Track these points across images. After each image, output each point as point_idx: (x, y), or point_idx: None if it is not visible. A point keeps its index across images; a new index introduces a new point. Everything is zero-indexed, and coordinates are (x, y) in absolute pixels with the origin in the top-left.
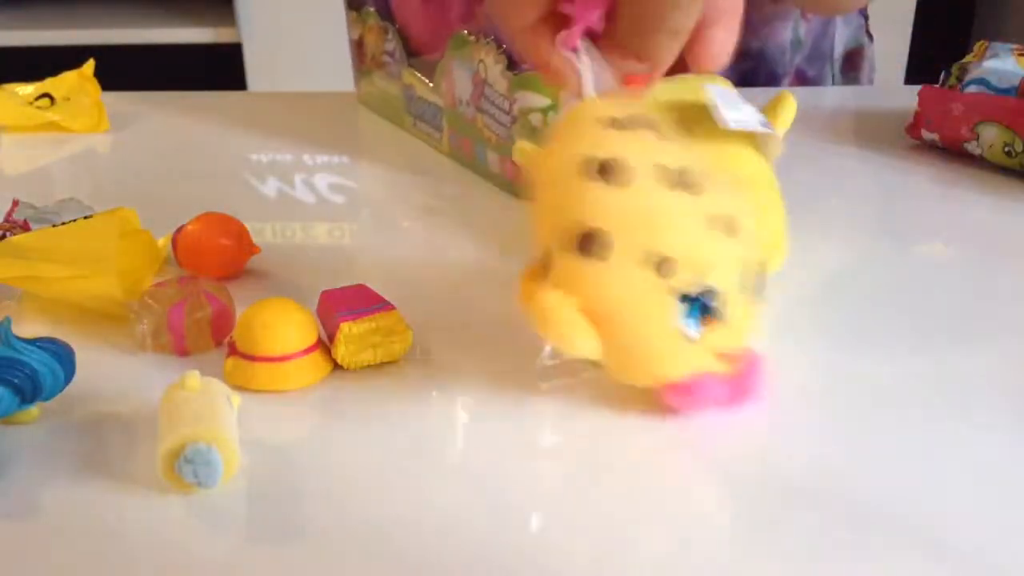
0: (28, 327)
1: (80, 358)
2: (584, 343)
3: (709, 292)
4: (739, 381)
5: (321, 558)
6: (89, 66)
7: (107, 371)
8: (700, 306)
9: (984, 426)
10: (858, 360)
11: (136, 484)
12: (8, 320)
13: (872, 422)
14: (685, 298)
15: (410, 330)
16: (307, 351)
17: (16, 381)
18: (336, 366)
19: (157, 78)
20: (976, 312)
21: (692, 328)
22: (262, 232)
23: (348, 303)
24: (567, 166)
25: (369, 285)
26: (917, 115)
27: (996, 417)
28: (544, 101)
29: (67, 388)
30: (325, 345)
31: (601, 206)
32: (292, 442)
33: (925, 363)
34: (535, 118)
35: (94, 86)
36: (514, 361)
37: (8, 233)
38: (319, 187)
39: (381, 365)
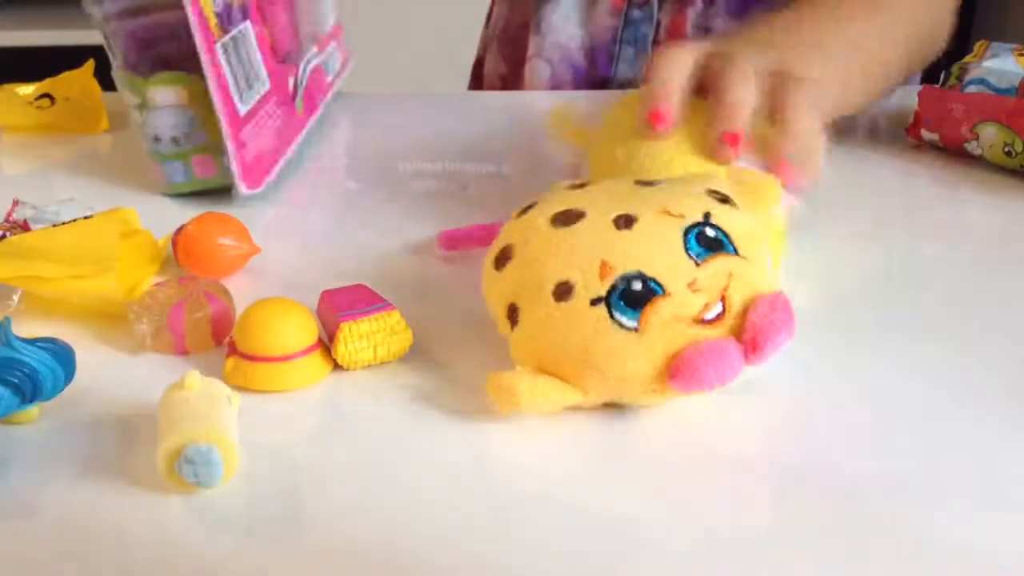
0: (28, 327)
1: (80, 358)
2: (553, 399)
3: (628, 278)
4: (748, 334)
5: (321, 558)
6: (89, 66)
7: (107, 371)
8: (622, 295)
9: (984, 424)
10: (855, 358)
11: (136, 484)
12: (8, 320)
13: (874, 420)
14: (597, 300)
15: (410, 330)
16: (307, 351)
17: (16, 381)
18: (336, 366)
19: None
20: (974, 312)
21: (626, 318)
22: (262, 232)
23: (348, 303)
24: (487, 263)
25: (369, 285)
26: (917, 115)
27: (996, 415)
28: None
29: (67, 388)
30: (325, 345)
31: (502, 281)
32: (292, 442)
33: (923, 362)
34: None
35: (94, 86)
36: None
37: (8, 233)
38: (319, 187)
39: (381, 365)
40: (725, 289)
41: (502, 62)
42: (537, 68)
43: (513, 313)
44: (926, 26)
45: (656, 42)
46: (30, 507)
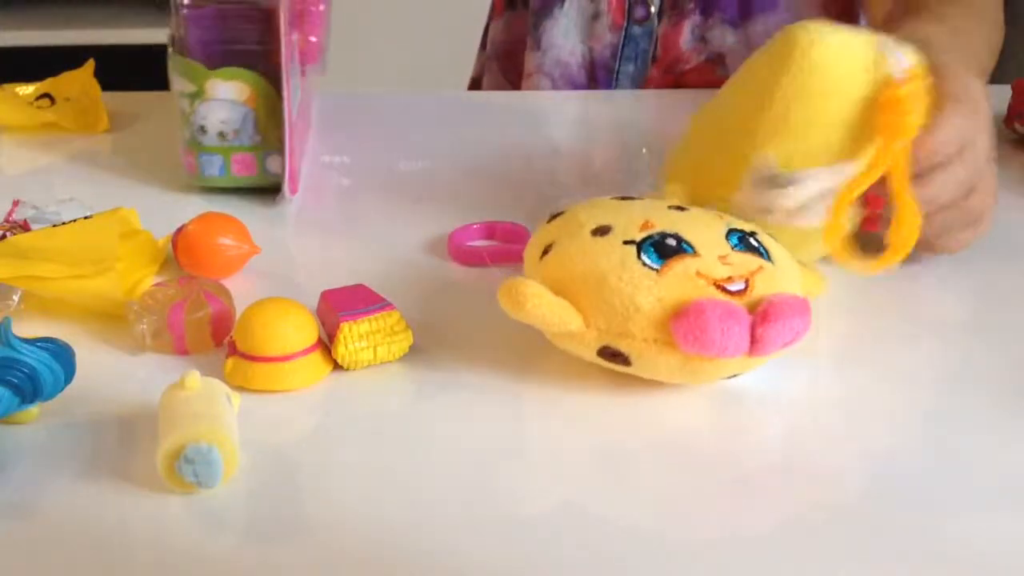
0: (28, 327)
1: (80, 358)
2: (557, 314)
3: (665, 235)
4: (762, 313)
5: (321, 558)
6: (89, 66)
7: (107, 371)
8: (655, 245)
9: (983, 423)
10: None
11: (136, 484)
12: (8, 320)
13: (874, 416)
14: (629, 242)
15: (410, 330)
16: (307, 351)
17: (16, 381)
18: (336, 366)
19: (157, 78)
20: None
21: (651, 260)
22: (262, 232)
23: (348, 303)
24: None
25: (369, 285)
26: (1011, 107)
27: (994, 413)
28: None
29: (67, 388)
30: (325, 345)
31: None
32: (292, 442)
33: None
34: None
35: (94, 86)
36: (514, 361)
37: (8, 233)
38: (319, 187)
39: (381, 365)
40: (753, 274)
41: (501, 78)
42: (538, 84)
43: (547, 250)
44: (1000, 31)
45: (655, 57)
46: (30, 507)
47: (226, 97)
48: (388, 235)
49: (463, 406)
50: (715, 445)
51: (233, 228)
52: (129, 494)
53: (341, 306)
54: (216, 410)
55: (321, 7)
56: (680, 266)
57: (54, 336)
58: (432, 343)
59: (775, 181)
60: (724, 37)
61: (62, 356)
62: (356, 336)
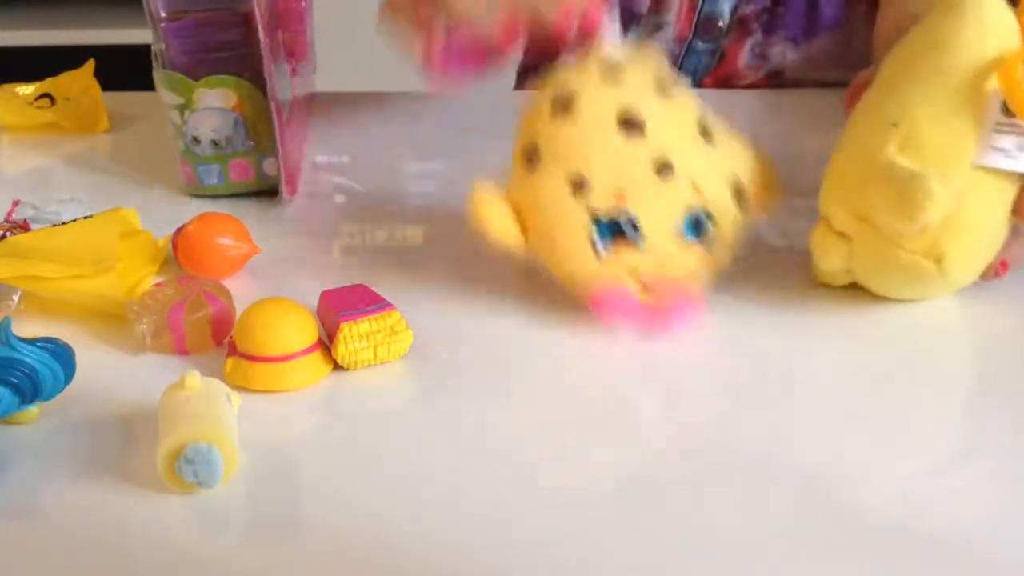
0: (28, 327)
1: (80, 358)
2: (505, 231)
3: (626, 220)
4: (660, 310)
5: (321, 557)
6: (89, 66)
7: (107, 371)
8: (611, 228)
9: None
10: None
11: (136, 484)
12: (8, 320)
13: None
14: (598, 220)
15: (410, 330)
16: (307, 351)
17: (16, 381)
18: (336, 366)
19: None
20: None
21: (601, 244)
22: (262, 232)
23: (348, 303)
24: (538, 98)
25: (369, 285)
26: None
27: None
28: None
29: (67, 388)
30: (325, 345)
31: (544, 129)
32: (292, 442)
33: None
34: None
35: (94, 86)
36: (514, 361)
37: (8, 233)
38: (319, 187)
39: (381, 365)
40: (670, 269)
41: None
42: None
43: (533, 157)
44: None
45: (712, 70)
46: (30, 507)
47: (214, 105)
48: (388, 235)
49: (463, 406)
50: (729, 442)
51: (233, 228)
52: (129, 494)
53: (341, 306)
54: (216, 410)
55: (303, 3)
56: (619, 259)
57: (54, 336)
58: (432, 343)
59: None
60: (784, 54)
61: (62, 356)
62: (356, 336)
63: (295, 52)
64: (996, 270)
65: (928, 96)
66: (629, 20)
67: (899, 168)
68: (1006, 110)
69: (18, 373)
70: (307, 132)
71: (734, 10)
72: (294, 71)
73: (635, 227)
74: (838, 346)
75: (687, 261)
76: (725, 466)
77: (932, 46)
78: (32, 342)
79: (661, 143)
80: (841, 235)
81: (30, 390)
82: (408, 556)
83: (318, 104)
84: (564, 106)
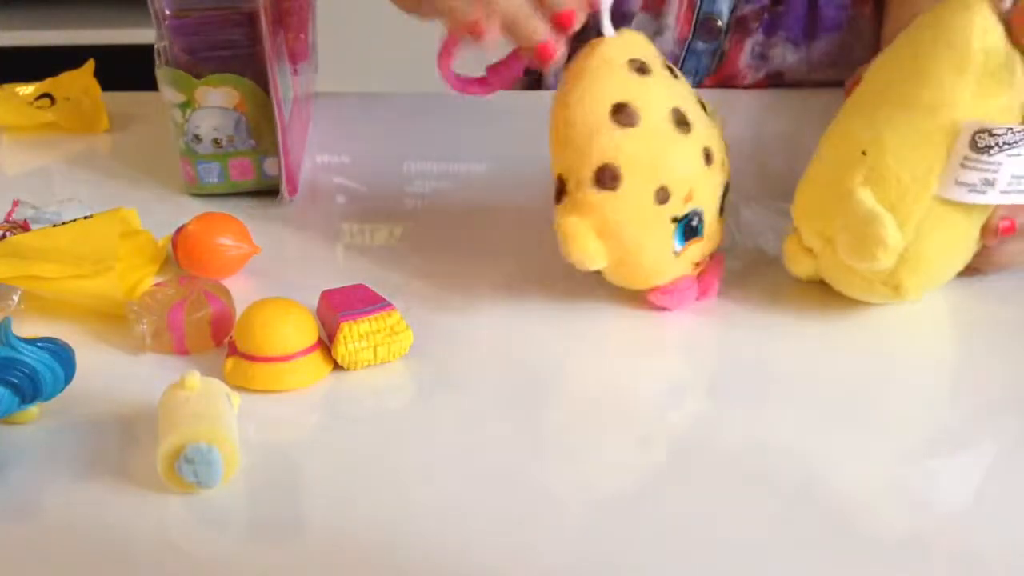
0: (28, 327)
1: (80, 358)
2: (596, 258)
3: (695, 214)
4: (704, 280)
5: (321, 557)
6: (89, 66)
7: (107, 371)
8: (685, 226)
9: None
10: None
11: (136, 484)
12: (8, 320)
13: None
14: (675, 220)
15: (410, 330)
16: (307, 351)
17: (16, 381)
18: (336, 366)
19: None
20: None
21: (678, 244)
22: (262, 232)
23: (348, 303)
24: (588, 108)
25: (369, 285)
26: None
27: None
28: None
29: (67, 388)
30: (325, 345)
31: (615, 144)
32: (292, 442)
33: None
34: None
35: (94, 86)
36: (514, 361)
37: (8, 233)
38: (319, 187)
39: (381, 365)
40: (714, 246)
41: None
42: None
43: (612, 179)
44: None
45: (711, 72)
46: (30, 507)
47: (216, 104)
48: (388, 235)
49: (463, 406)
50: (733, 446)
51: (233, 228)
52: (129, 494)
53: (341, 306)
54: (216, 410)
55: (305, 3)
56: (688, 253)
57: (54, 336)
58: (432, 343)
59: (999, 141)
60: (785, 56)
61: (62, 356)
62: (356, 336)
63: (297, 52)
64: (997, 231)
65: (899, 125)
66: (621, 19)
67: (860, 204)
68: (975, 146)
69: (18, 373)
70: (308, 132)
71: (732, 10)
72: (296, 71)
73: (702, 220)
74: (838, 347)
75: (720, 233)
76: (725, 467)
77: (911, 73)
78: (32, 342)
79: (700, 133)
80: (808, 250)
81: (30, 390)
82: (408, 556)
83: (319, 104)
84: (629, 118)
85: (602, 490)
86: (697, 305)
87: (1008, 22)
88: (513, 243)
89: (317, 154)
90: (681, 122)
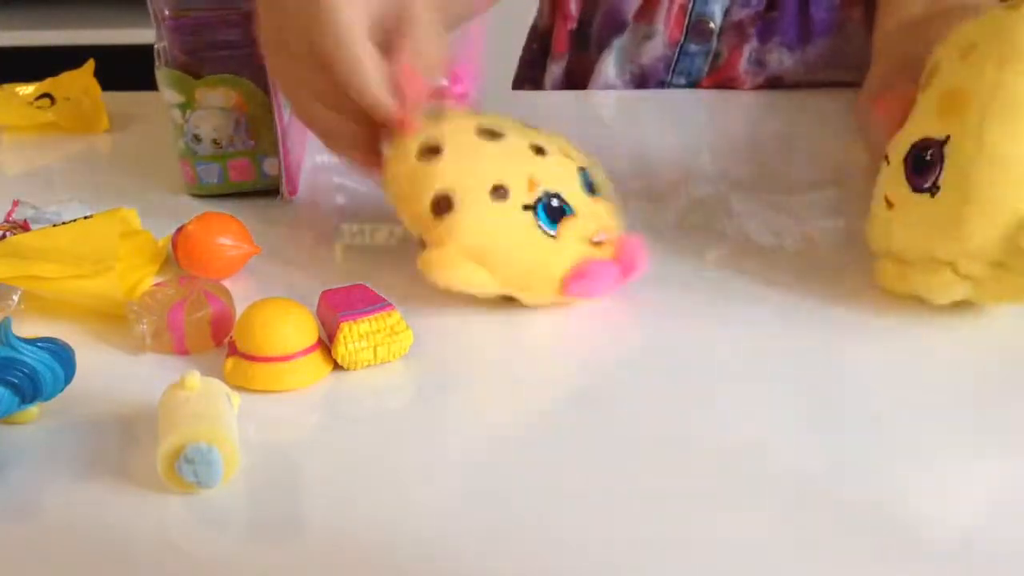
0: (28, 327)
1: (80, 358)
2: (475, 275)
3: (549, 196)
4: (623, 260)
5: (321, 558)
6: (89, 66)
7: (107, 371)
8: (545, 207)
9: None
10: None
11: (136, 484)
12: (8, 320)
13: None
14: (527, 207)
15: (410, 330)
16: (307, 351)
17: (16, 381)
18: (336, 366)
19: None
20: None
21: (547, 227)
22: (262, 232)
23: (348, 303)
24: (399, 164)
25: (369, 285)
26: None
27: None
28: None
29: (67, 388)
30: (325, 345)
31: (432, 177)
32: (292, 442)
33: None
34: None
35: (94, 86)
36: (514, 361)
37: (8, 233)
38: (319, 187)
39: (381, 365)
40: (605, 222)
41: None
42: None
43: (446, 203)
44: None
45: (709, 73)
46: (30, 507)
47: (215, 105)
48: (388, 235)
49: (463, 406)
50: (733, 445)
51: (233, 228)
52: (129, 494)
53: (341, 306)
54: (216, 410)
55: None
56: (567, 230)
57: (54, 336)
58: (432, 343)
59: None
60: (782, 60)
61: (62, 356)
62: (356, 336)
63: None
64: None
65: None
66: (617, 29)
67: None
68: None
69: (18, 373)
70: (308, 132)
71: (726, 13)
72: None
73: (564, 201)
74: (835, 343)
75: (608, 212)
76: (726, 465)
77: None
78: (32, 342)
79: (520, 136)
80: (964, 277)
81: (30, 390)
82: (408, 556)
83: None
84: (431, 150)
85: (603, 490)
86: (696, 301)
87: None
88: None
89: (317, 154)
90: (489, 133)
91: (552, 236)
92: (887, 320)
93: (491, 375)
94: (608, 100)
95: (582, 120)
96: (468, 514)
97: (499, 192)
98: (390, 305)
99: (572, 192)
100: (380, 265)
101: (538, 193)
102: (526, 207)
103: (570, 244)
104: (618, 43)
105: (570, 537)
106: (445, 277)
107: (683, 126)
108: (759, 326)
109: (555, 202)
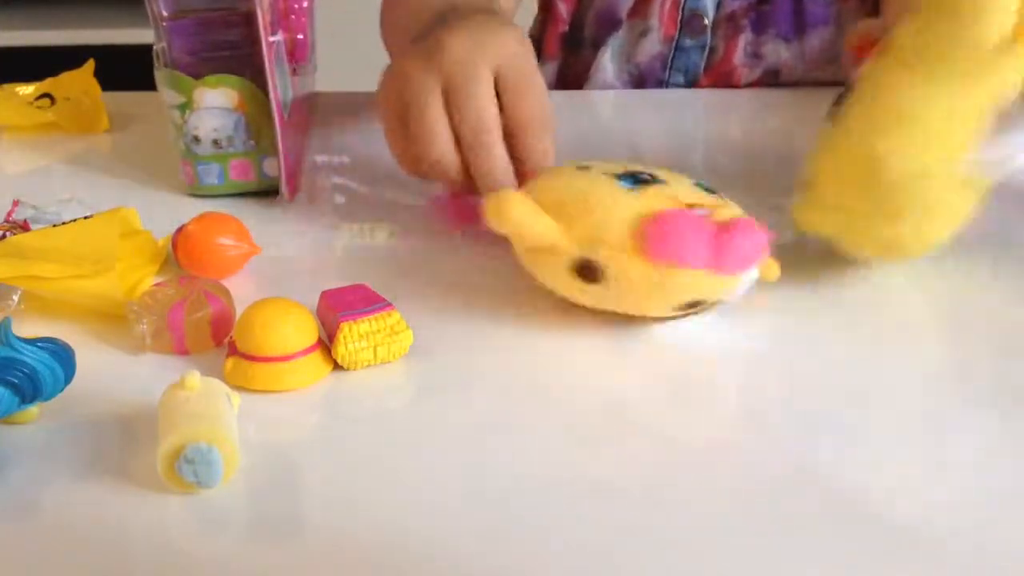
0: (28, 327)
1: (80, 358)
2: (539, 223)
3: (638, 171)
4: (727, 229)
5: (321, 557)
6: (89, 66)
7: (107, 371)
8: (631, 178)
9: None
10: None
11: (136, 484)
12: (8, 320)
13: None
14: (609, 175)
15: (410, 330)
16: (307, 351)
17: (16, 381)
18: (336, 366)
19: None
20: None
21: (629, 185)
22: (262, 232)
23: (348, 303)
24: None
25: (369, 285)
26: None
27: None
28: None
29: (67, 388)
30: (325, 345)
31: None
32: (292, 442)
33: None
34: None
35: (94, 86)
36: (514, 361)
37: (8, 233)
38: (318, 187)
39: (381, 365)
40: (716, 206)
41: None
42: None
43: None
44: None
45: (707, 69)
46: (30, 507)
47: (215, 105)
48: (388, 235)
49: (463, 406)
50: (732, 443)
51: (233, 228)
52: (129, 494)
53: (341, 306)
54: (216, 410)
55: (305, 3)
56: (654, 190)
57: (54, 336)
58: (432, 343)
59: None
60: (779, 52)
61: (62, 356)
62: (356, 336)
63: (296, 52)
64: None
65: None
66: (611, 27)
67: (890, 171)
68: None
69: (18, 373)
70: (308, 132)
71: (718, 7)
72: (295, 71)
73: (652, 175)
74: (834, 343)
75: (726, 203)
76: (726, 467)
77: (949, 39)
78: (32, 342)
79: (612, 164)
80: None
81: (30, 390)
82: (408, 556)
83: (319, 104)
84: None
85: (605, 490)
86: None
87: None
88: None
89: (317, 154)
90: (581, 168)
91: (631, 190)
92: (886, 320)
93: (491, 375)
94: (605, 100)
95: (577, 121)
96: (468, 514)
97: (582, 168)
98: (390, 305)
99: (673, 178)
100: (380, 265)
101: (625, 171)
102: (607, 174)
103: (653, 197)
104: (613, 41)
105: (570, 537)
106: (505, 217)
107: (681, 126)
108: (758, 326)
109: (645, 176)
